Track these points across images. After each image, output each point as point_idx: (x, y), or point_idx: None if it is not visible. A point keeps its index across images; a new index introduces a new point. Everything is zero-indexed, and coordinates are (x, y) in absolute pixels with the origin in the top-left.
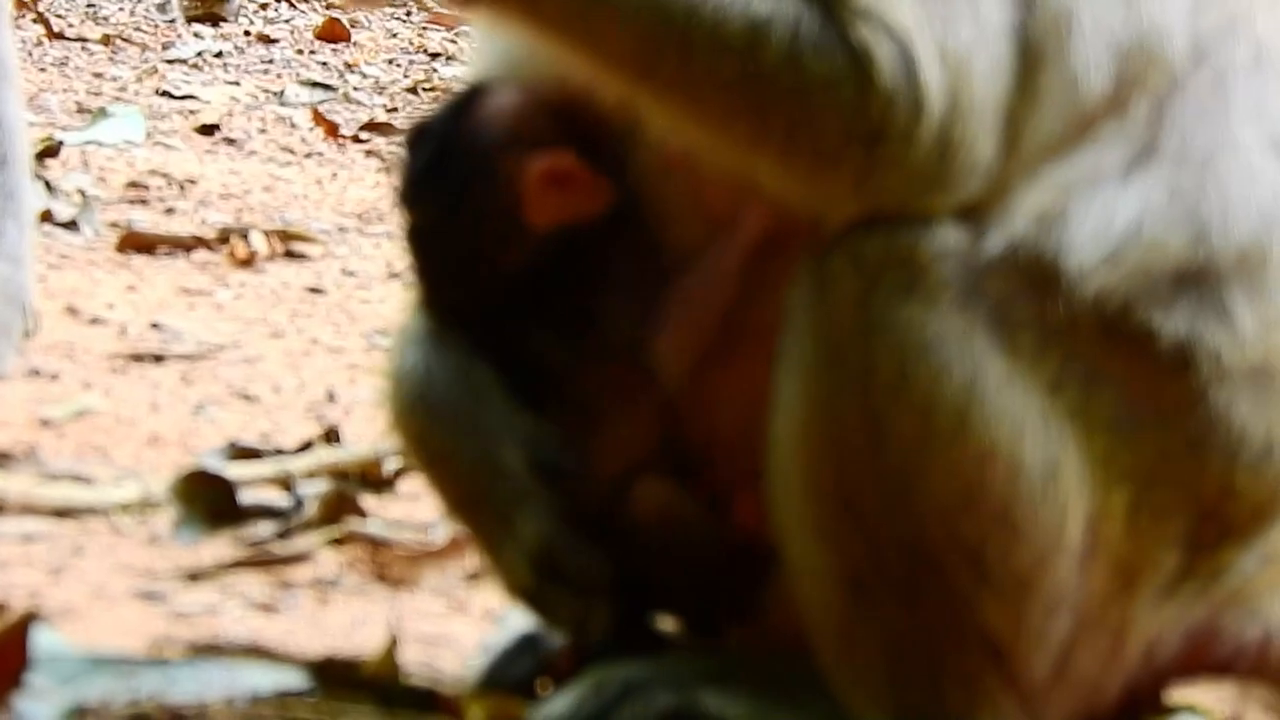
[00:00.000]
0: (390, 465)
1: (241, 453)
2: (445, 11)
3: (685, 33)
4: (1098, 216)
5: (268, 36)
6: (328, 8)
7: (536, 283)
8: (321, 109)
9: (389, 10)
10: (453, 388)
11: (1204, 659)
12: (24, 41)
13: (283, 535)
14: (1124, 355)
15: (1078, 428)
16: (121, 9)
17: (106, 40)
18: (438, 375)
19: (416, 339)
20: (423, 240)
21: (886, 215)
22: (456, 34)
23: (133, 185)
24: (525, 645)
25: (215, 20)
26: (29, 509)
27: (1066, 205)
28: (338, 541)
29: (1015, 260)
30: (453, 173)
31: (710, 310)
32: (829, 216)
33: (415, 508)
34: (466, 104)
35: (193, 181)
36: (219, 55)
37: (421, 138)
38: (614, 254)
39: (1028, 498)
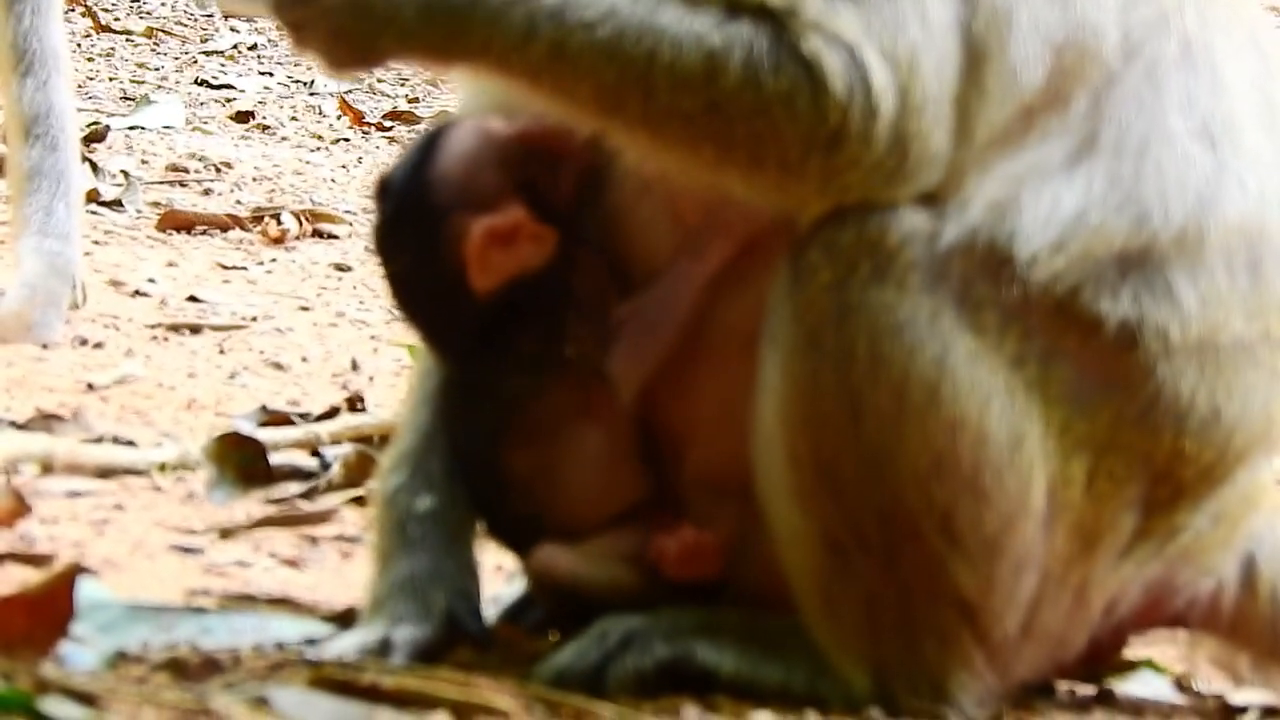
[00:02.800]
0: None
1: (272, 418)
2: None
3: (646, 74)
4: (1045, 206)
5: None
6: None
7: (503, 315)
8: (348, 98)
9: None
10: (428, 519)
11: (1160, 613)
12: (73, 33)
13: (309, 495)
14: (1077, 334)
15: (1038, 400)
16: (164, 4)
17: (150, 33)
18: (420, 504)
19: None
20: (394, 284)
21: (856, 208)
22: None
23: (173, 168)
24: (532, 598)
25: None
26: (74, 468)
27: (1017, 195)
28: (360, 501)
29: (973, 247)
30: (406, 233)
31: (668, 328)
32: (798, 216)
33: None
34: (423, 156)
35: (229, 165)
36: (253, 47)
37: (384, 192)
38: (578, 279)
39: (994, 466)
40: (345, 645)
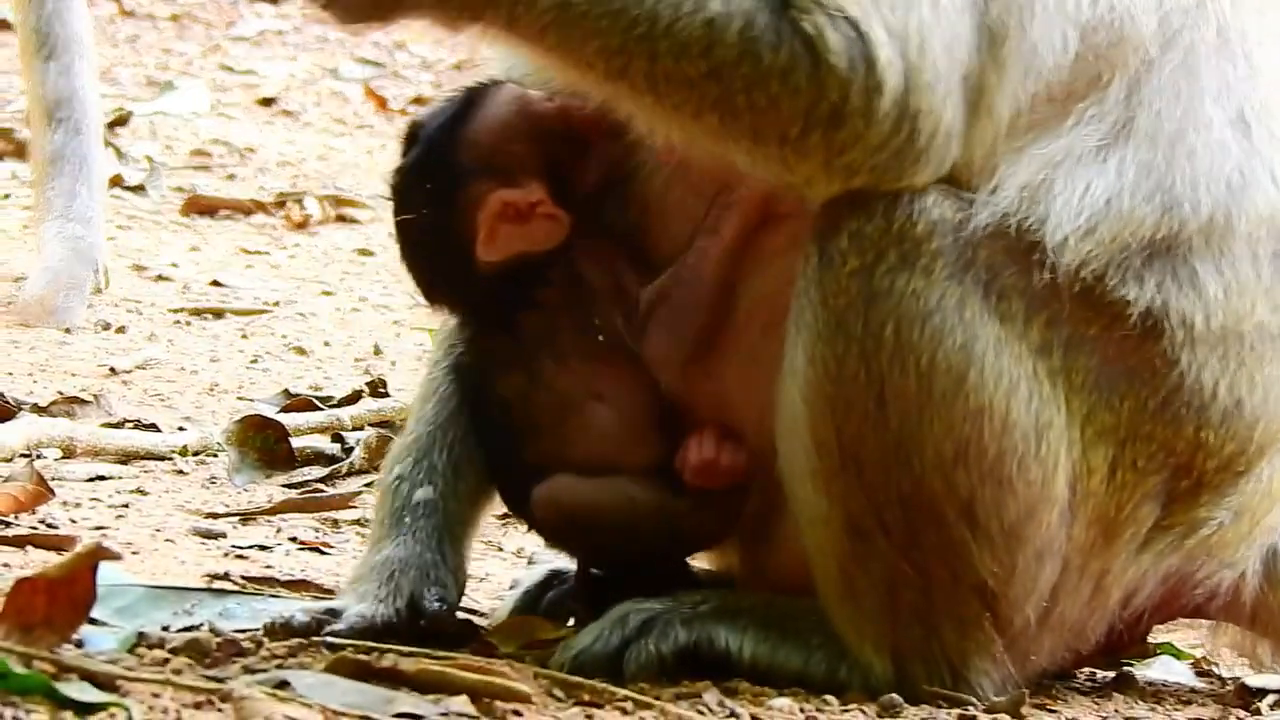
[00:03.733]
0: None
1: (294, 402)
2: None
3: (649, 37)
4: (1078, 191)
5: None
6: None
7: (502, 289)
8: (372, 84)
9: None
10: (424, 510)
11: (1179, 604)
12: (98, 19)
13: (331, 479)
14: (1102, 321)
15: (1062, 388)
16: None
17: (174, 18)
18: (419, 494)
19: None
20: (401, 232)
21: (882, 195)
22: None
23: (197, 153)
24: (552, 580)
25: None
26: (97, 452)
27: (1050, 180)
28: None
29: (1005, 231)
30: (428, 184)
31: (695, 307)
32: (808, 195)
33: None
34: (460, 110)
35: (252, 150)
36: (278, 33)
37: (412, 137)
38: (590, 266)
39: (1018, 453)
40: (296, 610)
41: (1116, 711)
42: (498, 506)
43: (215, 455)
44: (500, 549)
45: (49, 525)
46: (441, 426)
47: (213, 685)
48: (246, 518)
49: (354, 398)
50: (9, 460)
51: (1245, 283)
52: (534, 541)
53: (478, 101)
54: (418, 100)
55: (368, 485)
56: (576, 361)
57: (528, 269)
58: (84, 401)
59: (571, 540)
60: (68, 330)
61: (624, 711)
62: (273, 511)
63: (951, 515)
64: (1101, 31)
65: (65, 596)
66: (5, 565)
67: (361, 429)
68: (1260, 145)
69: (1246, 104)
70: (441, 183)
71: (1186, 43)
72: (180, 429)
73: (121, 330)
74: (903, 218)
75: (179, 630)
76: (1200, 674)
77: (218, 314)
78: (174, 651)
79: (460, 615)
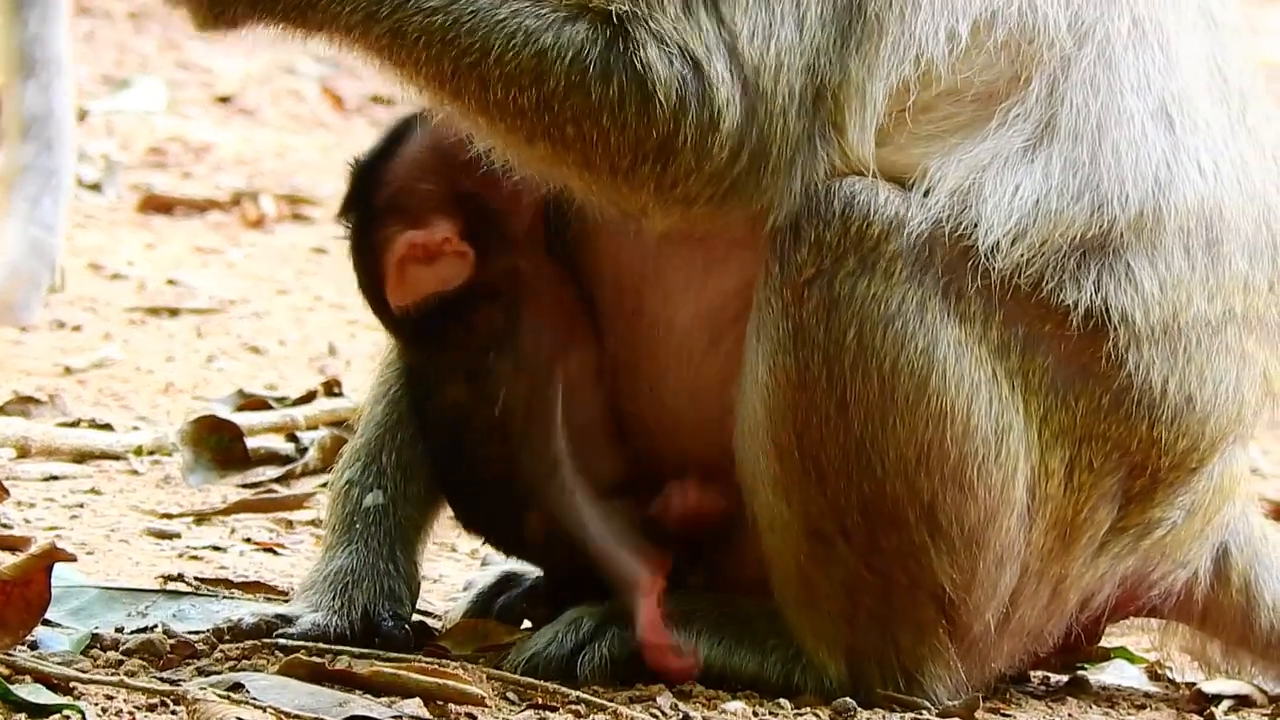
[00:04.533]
0: None
1: (249, 401)
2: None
3: (480, 65)
4: (1006, 193)
5: None
6: None
7: (427, 325)
8: (329, 82)
9: None
10: (375, 516)
11: (1135, 605)
12: None
13: (285, 480)
14: (1052, 321)
15: (1020, 390)
16: None
17: (132, 15)
18: (369, 500)
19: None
20: (351, 263)
21: (836, 199)
22: None
23: (153, 151)
24: (505, 582)
25: None
26: (51, 452)
27: (980, 183)
28: None
29: (941, 236)
30: (352, 225)
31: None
32: (646, 225)
33: None
34: (381, 149)
35: (208, 148)
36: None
37: (352, 175)
38: (527, 304)
39: (979, 457)
40: (246, 613)
41: (1070, 716)
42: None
43: (170, 455)
44: (454, 550)
45: (3, 525)
46: (391, 429)
47: (166, 687)
48: (201, 518)
49: (309, 397)
50: None
51: (1180, 275)
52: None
53: (396, 141)
54: (375, 99)
55: (322, 486)
56: (522, 377)
57: (451, 306)
58: (39, 401)
59: (553, 561)
60: (23, 329)
61: (577, 715)
62: (227, 512)
63: (912, 519)
64: (1003, 26)
65: (20, 597)
66: None
67: (316, 429)
68: (1184, 136)
69: (1167, 94)
70: (360, 224)
71: (1101, 36)
72: (135, 429)
73: (77, 329)
74: (858, 219)
75: (133, 632)
76: (1154, 678)
77: (173, 313)
78: (128, 653)
79: (414, 618)
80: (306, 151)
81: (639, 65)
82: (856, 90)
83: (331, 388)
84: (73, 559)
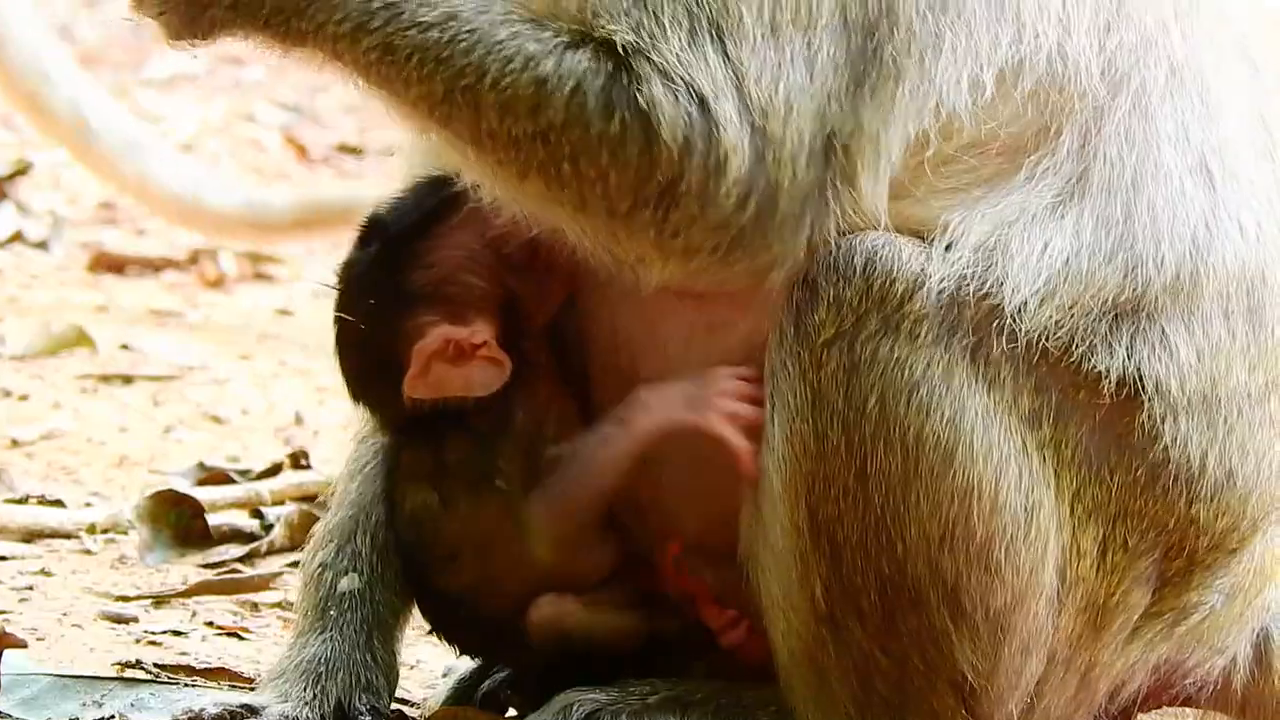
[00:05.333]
0: None
1: (210, 475)
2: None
3: (475, 90)
4: (1034, 252)
5: (239, 58)
6: None
7: (425, 423)
8: (291, 131)
9: None
10: (349, 601)
11: (1168, 694)
12: None
13: (249, 558)
14: (1085, 388)
15: (1051, 463)
16: (94, 29)
17: (81, 59)
18: (343, 584)
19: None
20: (339, 326)
21: (857, 255)
22: None
23: (104, 205)
24: (488, 667)
25: None
26: None
27: (1005, 239)
28: None
29: (965, 294)
30: (371, 296)
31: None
32: (641, 275)
33: None
34: (422, 220)
35: None
36: (191, 77)
37: (370, 232)
38: (529, 406)
39: (1007, 536)
40: (208, 703)
41: None
42: None
43: (125, 533)
44: (432, 633)
45: None
46: (365, 509)
47: None
48: (159, 600)
49: (274, 470)
50: None
51: (1219, 343)
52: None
53: (442, 214)
54: (342, 148)
55: (290, 565)
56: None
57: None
58: None
59: (553, 661)
60: None
61: None
62: (187, 594)
63: (934, 602)
64: (1030, 75)
65: None
66: None
67: (283, 504)
68: (1224, 193)
69: (1207, 148)
70: (385, 299)
71: (1137, 84)
72: (88, 505)
73: (24, 398)
74: (881, 276)
75: None
76: None
77: (127, 380)
78: None
79: (391, 707)
80: None
81: (643, 101)
82: (870, 140)
83: (298, 460)
84: (23, 645)
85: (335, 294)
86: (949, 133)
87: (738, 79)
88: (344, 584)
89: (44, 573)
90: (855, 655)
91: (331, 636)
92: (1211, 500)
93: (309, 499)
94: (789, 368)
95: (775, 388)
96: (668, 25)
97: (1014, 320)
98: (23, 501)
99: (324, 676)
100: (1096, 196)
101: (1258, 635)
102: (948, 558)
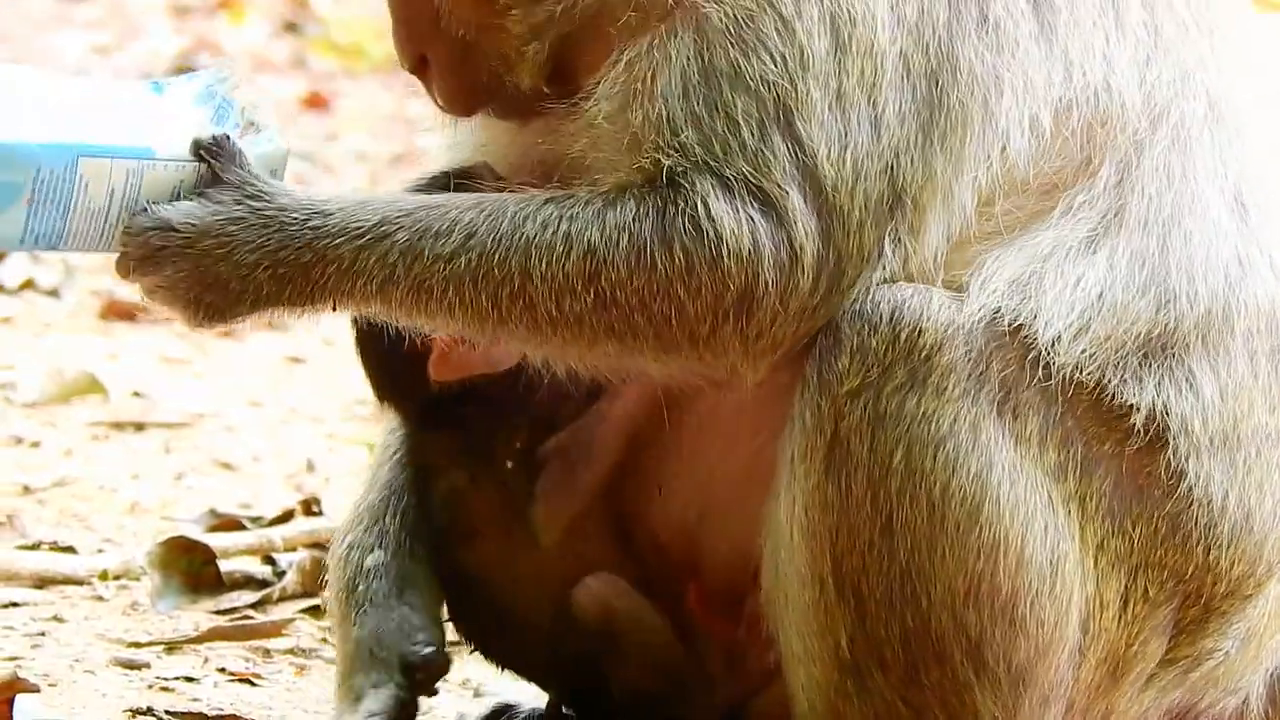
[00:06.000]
0: None
1: (221, 521)
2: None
3: (522, 290)
4: (1068, 285)
5: None
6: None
7: (450, 406)
8: (303, 177)
9: (373, 78)
10: (375, 574)
11: None
12: None
13: (262, 605)
14: (1112, 434)
15: (1076, 516)
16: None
17: None
18: (369, 560)
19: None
20: (360, 338)
21: (881, 305)
22: None
23: None
24: (501, 714)
25: None
26: (10, 577)
27: (1040, 273)
28: (317, 611)
29: (999, 329)
30: None
31: (589, 468)
32: (736, 383)
33: None
34: None
35: None
36: None
37: None
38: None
39: (1032, 590)
40: None
41: None
42: None
43: (137, 579)
44: (445, 679)
45: None
46: (397, 491)
47: None
48: (171, 647)
49: (286, 517)
50: None
51: (1241, 382)
52: (482, 671)
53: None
54: None
55: (301, 611)
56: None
57: (479, 391)
58: None
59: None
60: None
61: None
62: (199, 640)
63: (958, 656)
64: (1078, 109)
65: None
66: None
67: (294, 550)
68: (1257, 229)
69: (1243, 181)
70: None
71: (1176, 118)
72: (100, 551)
73: (36, 445)
74: (908, 326)
75: None
76: None
77: (139, 427)
78: None
79: None
80: None
81: (701, 222)
82: (941, 190)
83: (310, 506)
84: (35, 690)
85: None
86: (1010, 178)
87: (810, 162)
88: (370, 560)
89: (56, 619)
90: (877, 706)
91: (365, 612)
92: (1229, 546)
93: (321, 545)
94: (809, 417)
95: (795, 436)
96: (740, 123)
97: (1046, 352)
98: (35, 548)
99: (377, 650)
100: (1133, 230)
101: (1271, 675)
102: (973, 612)
